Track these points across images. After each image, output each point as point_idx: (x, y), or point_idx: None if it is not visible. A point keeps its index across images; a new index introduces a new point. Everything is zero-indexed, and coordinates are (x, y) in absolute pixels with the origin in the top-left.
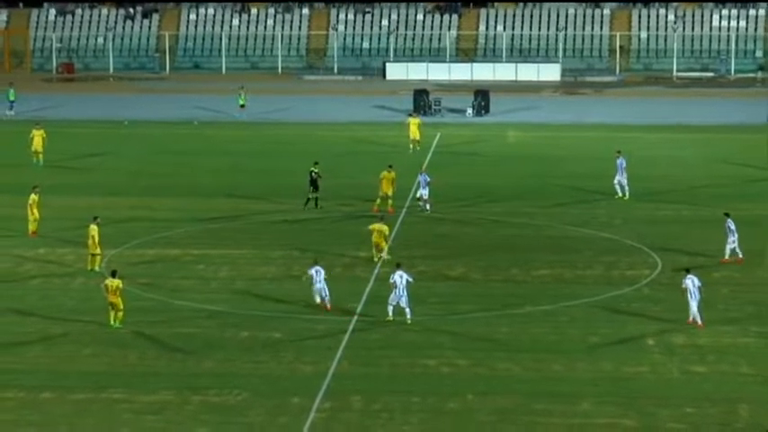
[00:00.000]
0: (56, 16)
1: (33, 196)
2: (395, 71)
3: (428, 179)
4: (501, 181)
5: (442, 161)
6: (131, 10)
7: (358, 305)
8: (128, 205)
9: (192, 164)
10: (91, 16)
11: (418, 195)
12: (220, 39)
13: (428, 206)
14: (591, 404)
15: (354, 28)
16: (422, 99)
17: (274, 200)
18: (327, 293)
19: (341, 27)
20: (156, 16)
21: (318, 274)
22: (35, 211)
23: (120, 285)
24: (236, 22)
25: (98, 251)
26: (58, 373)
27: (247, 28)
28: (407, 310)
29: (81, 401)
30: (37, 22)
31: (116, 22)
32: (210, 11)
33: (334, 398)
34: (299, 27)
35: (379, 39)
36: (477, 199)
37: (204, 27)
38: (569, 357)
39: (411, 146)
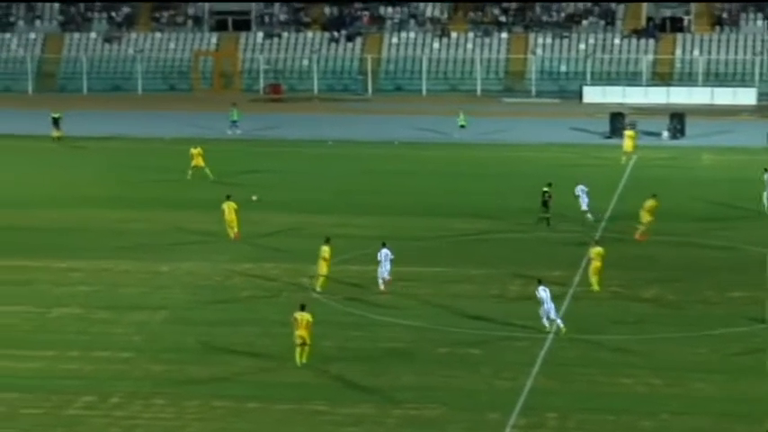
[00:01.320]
0: (264, 39)
1: (230, 203)
2: (592, 94)
3: (586, 189)
4: (696, 203)
5: (637, 183)
6: (336, 33)
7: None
8: (331, 223)
9: (396, 183)
10: (297, 39)
11: (584, 208)
12: (421, 62)
13: (590, 215)
14: None
15: (552, 52)
16: (618, 122)
17: (475, 219)
18: (388, 274)
19: (539, 51)
20: (359, 39)
21: (386, 258)
22: (233, 218)
23: (311, 320)
24: (436, 45)
25: (324, 272)
26: (263, 384)
27: (447, 51)
28: (558, 321)
29: (285, 412)
30: (245, 45)
31: (321, 45)
32: (412, 35)
33: (530, 414)
34: (498, 50)
35: (577, 62)
36: (672, 220)
37: (406, 50)
38: (764, 379)
39: (623, 158)
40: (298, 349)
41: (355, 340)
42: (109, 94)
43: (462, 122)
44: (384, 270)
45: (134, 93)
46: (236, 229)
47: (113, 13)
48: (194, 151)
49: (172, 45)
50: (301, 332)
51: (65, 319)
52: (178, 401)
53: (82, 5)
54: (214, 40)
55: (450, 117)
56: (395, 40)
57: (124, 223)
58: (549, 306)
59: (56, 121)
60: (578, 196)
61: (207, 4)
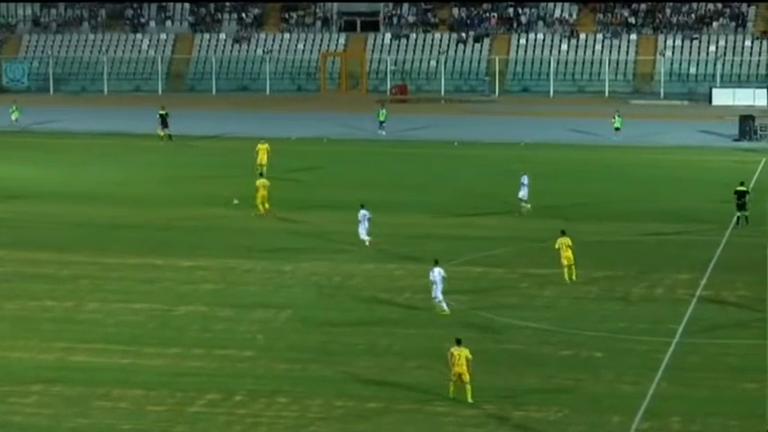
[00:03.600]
0: (391, 40)
1: (263, 181)
2: (721, 96)
3: (526, 181)
4: None
5: (766, 187)
6: (463, 34)
7: (679, 327)
8: (455, 224)
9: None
10: (425, 40)
11: (520, 196)
12: (549, 63)
13: (527, 206)
14: None
15: (682, 53)
16: (747, 125)
17: (597, 221)
18: (367, 234)
19: (668, 52)
20: (486, 41)
21: (364, 218)
22: (264, 194)
23: (470, 356)
24: (564, 46)
25: (571, 263)
26: (384, 384)
27: (576, 53)
28: (443, 303)
29: (405, 412)
30: (373, 46)
31: (448, 46)
32: (540, 36)
33: (654, 418)
34: (627, 52)
35: (706, 64)
36: None
37: (534, 51)
38: None
39: None
40: (451, 386)
41: (478, 342)
42: (237, 94)
43: (617, 125)
44: (363, 230)
45: (262, 93)
46: (267, 206)
47: (243, 14)
48: (261, 147)
49: (300, 46)
50: (459, 369)
51: (189, 316)
52: (301, 400)
53: (212, 6)
54: (342, 40)
55: (579, 119)
56: (522, 41)
57: (247, 222)
58: (438, 287)
59: (163, 118)
60: (523, 184)
61: (335, 5)
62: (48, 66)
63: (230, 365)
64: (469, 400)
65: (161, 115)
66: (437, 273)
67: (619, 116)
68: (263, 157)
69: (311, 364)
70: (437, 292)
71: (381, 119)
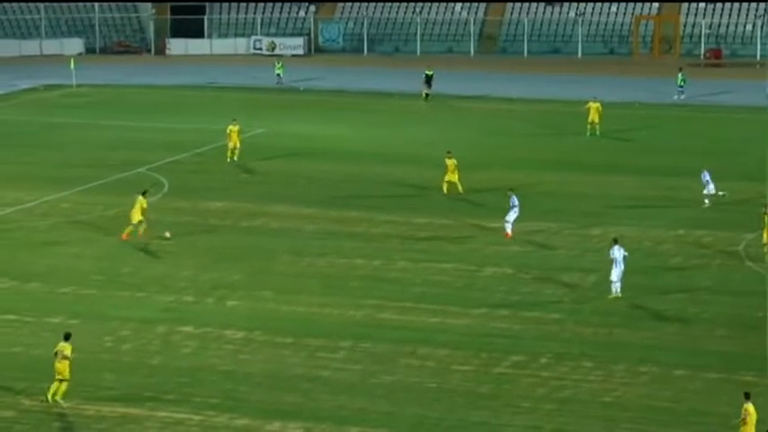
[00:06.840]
0: (706, 4)
1: (452, 160)
2: None
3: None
4: None
5: None
6: None
7: None
8: (761, 191)
9: None
10: (741, 4)
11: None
12: None
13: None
14: None
15: None
16: None
17: None
18: (512, 222)
19: None
20: None
21: (513, 202)
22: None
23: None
24: None
25: None
26: (691, 352)
27: None
28: (617, 285)
29: (712, 381)
30: (688, 10)
31: (765, 11)
32: None
33: None
34: None
35: None
36: None
37: None
38: None
39: None
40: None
41: None
42: (549, 56)
43: None
44: (512, 216)
45: (573, 56)
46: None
47: None
48: (593, 105)
49: (613, 8)
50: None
51: (495, 278)
52: (605, 365)
53: None
54: (656, 4)
55: None
56: None
57: (553, 185)
58: (620, 268)
59: (428, 78)
60: (707, 181)
61: None
62: (362, 26)
63: (536, 328)
64: None
65: (427, 75)
66: (617, 251)
67: None
68: (594, 116)
69: (617, 329)
70: (616, 274)
71: (679, 83)
